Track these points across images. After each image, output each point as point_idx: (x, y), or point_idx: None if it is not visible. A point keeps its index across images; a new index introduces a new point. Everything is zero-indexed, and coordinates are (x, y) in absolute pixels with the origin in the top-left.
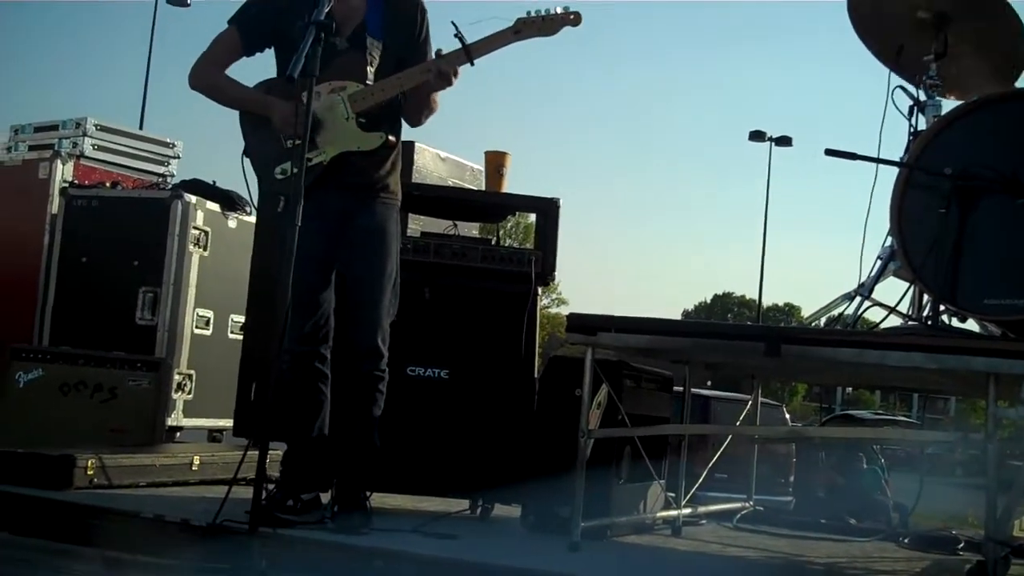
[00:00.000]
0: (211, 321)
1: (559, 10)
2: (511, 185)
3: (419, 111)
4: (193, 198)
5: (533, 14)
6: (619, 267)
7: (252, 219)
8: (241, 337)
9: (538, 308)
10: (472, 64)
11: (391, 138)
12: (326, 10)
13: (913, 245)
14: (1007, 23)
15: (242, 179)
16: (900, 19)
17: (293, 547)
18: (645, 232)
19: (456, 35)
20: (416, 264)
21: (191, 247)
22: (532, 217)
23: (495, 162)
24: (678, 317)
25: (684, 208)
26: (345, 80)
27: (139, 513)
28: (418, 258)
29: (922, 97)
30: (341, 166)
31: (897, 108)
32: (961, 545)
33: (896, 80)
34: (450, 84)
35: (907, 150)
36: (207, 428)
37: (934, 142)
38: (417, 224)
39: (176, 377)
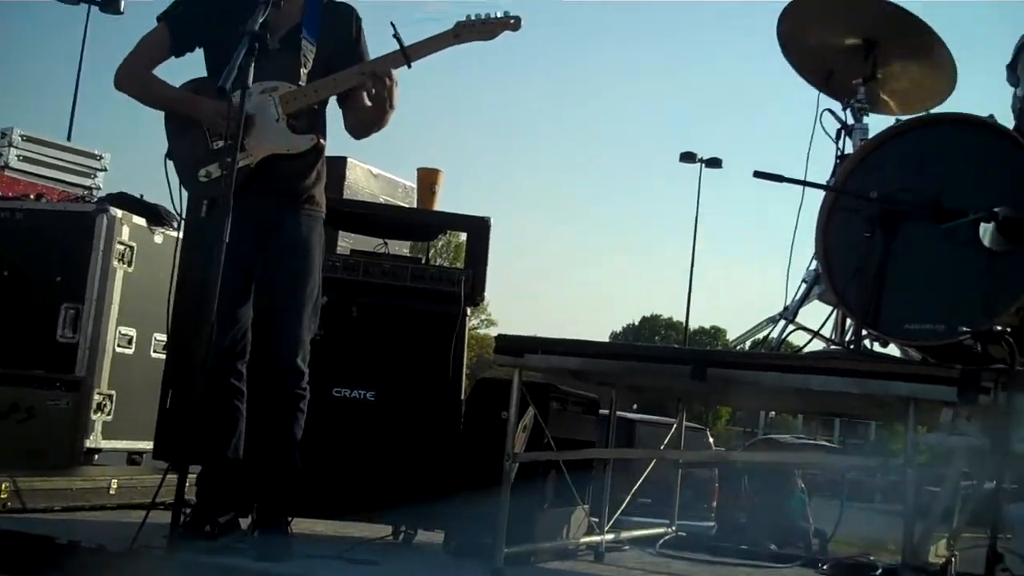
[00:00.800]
0: (134, 339)
1: (499, 14)
2: (443, 203)
3: (364, 123)
4: (119, 212)
5: (473, 17)
6: (548, 288)
7: (178, 234)
8: (164, 356)
9: (466, 329)
10: (409, 66)
11: (322, 141)
12: (261, 19)
13: (837, 269)
14: (932, 49)
15: (167, 188)
16: (829, 44)
17: (210, 573)
18: (575, 253)
19: (394, 35)
20: (345, 282)
21: (115, 262)
22: (463, 236)
23: (427, 180)
24: (606, 339)
25: (614, 229)
26: (277, 81)
27: (54, 539)
28: (347, 276)
29: (850, 120)
30: (267, 172)
31: (825, 131)
32: (879, 572)
33: (825, 102)
34: (385, 86)
35: (834, 173)
36: (127, 450)
37: (861, 166)
38: (347, 241)
39: (96, 397)
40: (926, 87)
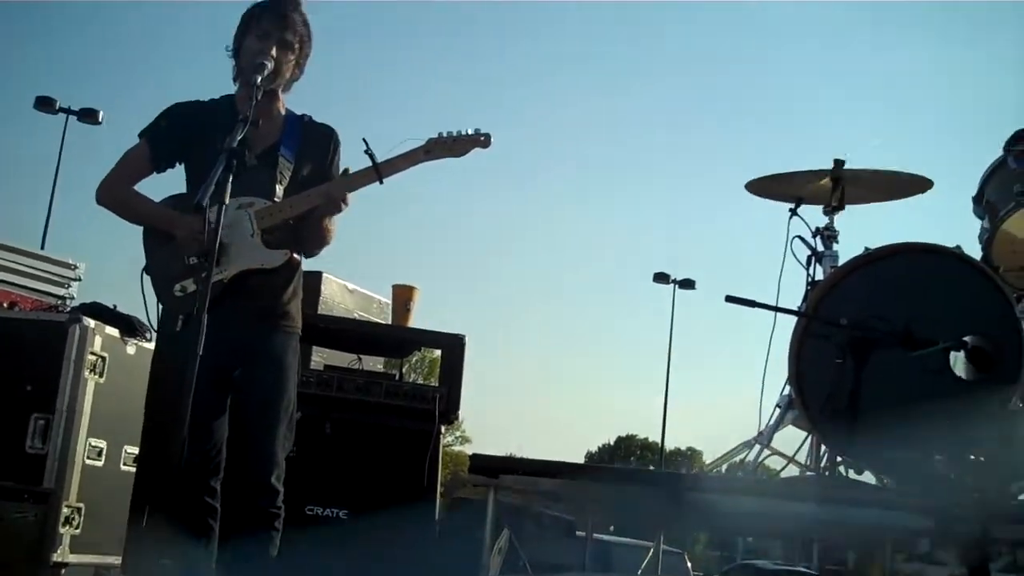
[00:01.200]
0: (104, 452)
1: (469, 131)
2: (418, 318)
3: (312, 240)
4: (92, 322)
5: (444, 134)
6: (524, 405)
7: (151, 345)
8: (134, 469)
9: (440, 447)
10: (381, 183)
11: (295, 256)
12: (239, 137)
13: (810, 395)
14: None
15: (143, 302)
16: (796, 180)
17: None
18: (551, 370)
19: (366, 152)
20: (319, 398)
21: (87, 373)
22: (438, 351)
23: (403, 296)
24: (582, 459)
25: (591, 347)
26: (253, 196)
27: None
28: (321, 392)
29: (820, 247)
30: (242, 287)
31: (796, 257)
32: None
33: (795, 230)
34: (339, 210)
35: (805, 299)
36: (94, 565)
37: (831, 292)
38: (321, 356)
39: (64, 510)
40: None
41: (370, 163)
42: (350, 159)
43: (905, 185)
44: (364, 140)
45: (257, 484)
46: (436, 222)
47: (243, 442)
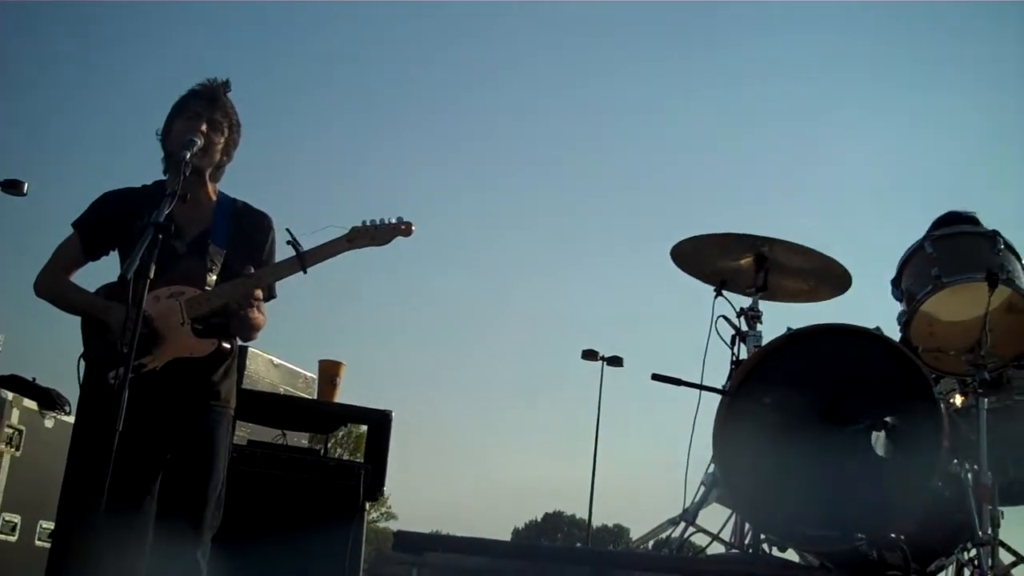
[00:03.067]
0: (17, 527)
1: (392, 220)
2: (344, 394)
3: (242, 328)
4: (9, 394)
5: (368, 223)
6: (450, 481)
7: (71, 419)
8: (48, 545)
9: (365, 524)
10: (305, 272)
11: (225, 345)
12: (166, 212)
13: (734, 473)
14: (821, 260)
15: (64, 378)
16: (722, 263)
17: None
18: (478, 447)
19: (289, 242)
20: (241, 473)
21: (3, 446)
22: (364, 427)
23: (329, 371)
24: (509, 535)
25: (517, 424)
26: (184, 285)
27: None
28: (244, 467)
29: (743, 327)
30: (173, 372)
31: (720, 336)
32: None
33: (720, 310)
34: (245, 308)
35: (729, 378)
36: None
37: (755, 371)
38: (245, 431)
39: None
40: (821, 283)
41: (294, 252)
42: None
43: (826, 278)
44: (288, 230)
45: (182, 562)
46: (364, 299)
47: (170, 521)
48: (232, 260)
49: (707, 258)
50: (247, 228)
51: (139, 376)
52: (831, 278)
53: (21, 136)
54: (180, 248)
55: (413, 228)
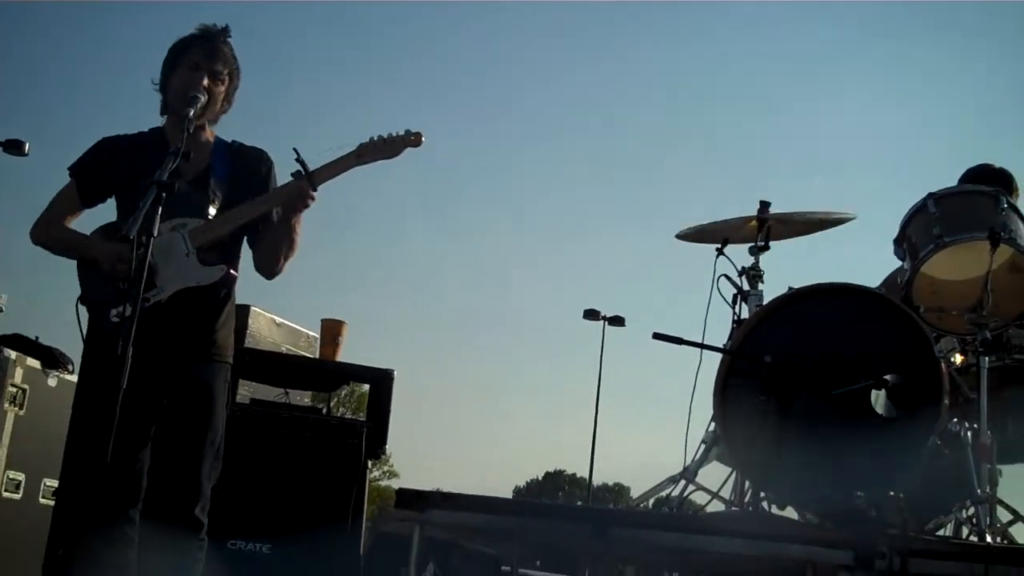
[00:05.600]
0: (22, 484)
1: (400, 132)
2: (347, 352)
3: (276, 254)
4: (13, 354)
5: (375, 137)
6: (452, 440)
7: (74, 378)
8: (52, 503)
9: (367, 482)
10: (315, 190)
11: (232, 271)
12: (170, 169)
13: (735, 431)
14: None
15: (67, 337)
16: (725, 224)
17: None
18: (480, 406)
19: (296, 159)
20: (244, 432)
21: (7, 405)
22: (366, 386)
23: (331, 330)
24: (510, 494)
25: (520, 383)
26: (186, 217)
27: None
28: (246, 426)
29: (745, 286)
30: (180, 306)
31: (722, 296)
32: None
33: (722, 269)
34: (306, 205)
35: (731, 337)
36: None
37: (755, 330)
38: (247, 390)
39: None
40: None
41: (302, 172)
42: (282, 169)
43: (829, 219)
44: (295, 150)
45: (182, 515)
46: (367, 257)
47: (168, 473)
48: (234, 192)
49: (709, 229)
50: (246, 163)
51: (145, 311)
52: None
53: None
54: (182, 187)
55: (422, 138)
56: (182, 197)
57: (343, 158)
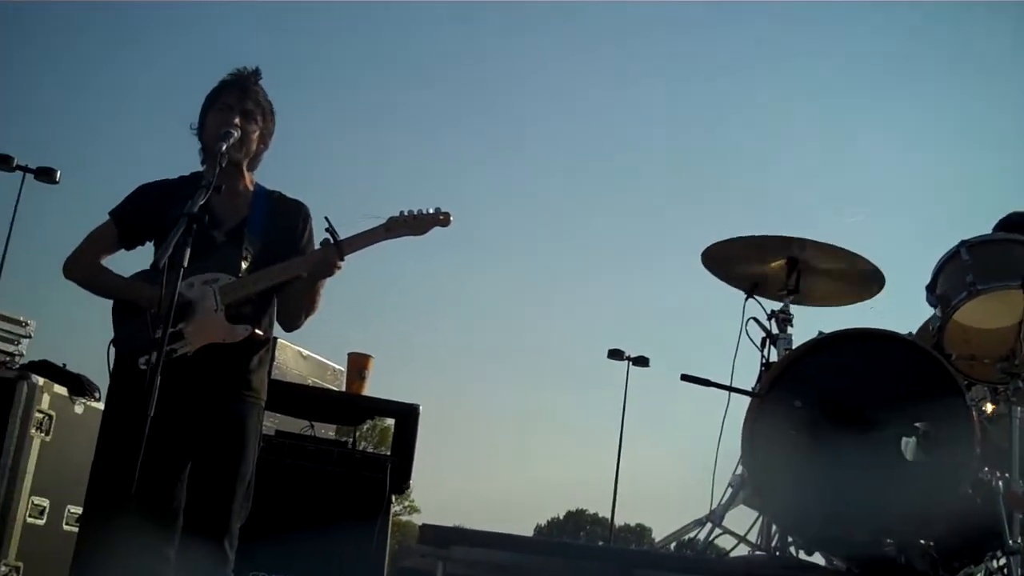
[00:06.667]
0: (46, 510)
1: (430, 210)
2: (372, 387)
3: (297, 312)
4: (40, 380)
5: (405, 213)
6: (474, 476)
7: (100, 405)
8: (75, 529)
9: (391, 517)
10: (342, 260)
11: (258, 332)
12: (201, 202)
13: (763, 475)
14: (853, 261)
15: (94, 363)
16: (754, 266)
17: None
18: (503, 444)
19: (327, 229)
20: (269, 464)
21: (33, 431)
22: (391, 420)
23: (358, 364)
24: (531, 532)
25: (542, 421)
26: (218, 273)
27: None
28: (271, 457)
29: (774, 330)
30: (206, 359)
31: (751, 339)
32: None
33: (750, 311)
34: (331, 273)
35: (759, 380)
36: None
37: (785, 374)
38: (273, 422)
39: (2, 568)
40: (853, 284)
41: (331, 241)
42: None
43: (857, 283)
44: (327, 219)
45: (209, 551)
46: (396, 293)
47: (198, 509)
48: (268, 249)
49: (738, 262)
50: (283, 217)
51: (171, 361)
52: (863, 279)
53: (57, 124)
54: (218, 238)
55: (451, 218)
56: (218, 251)
57: (372, 231)
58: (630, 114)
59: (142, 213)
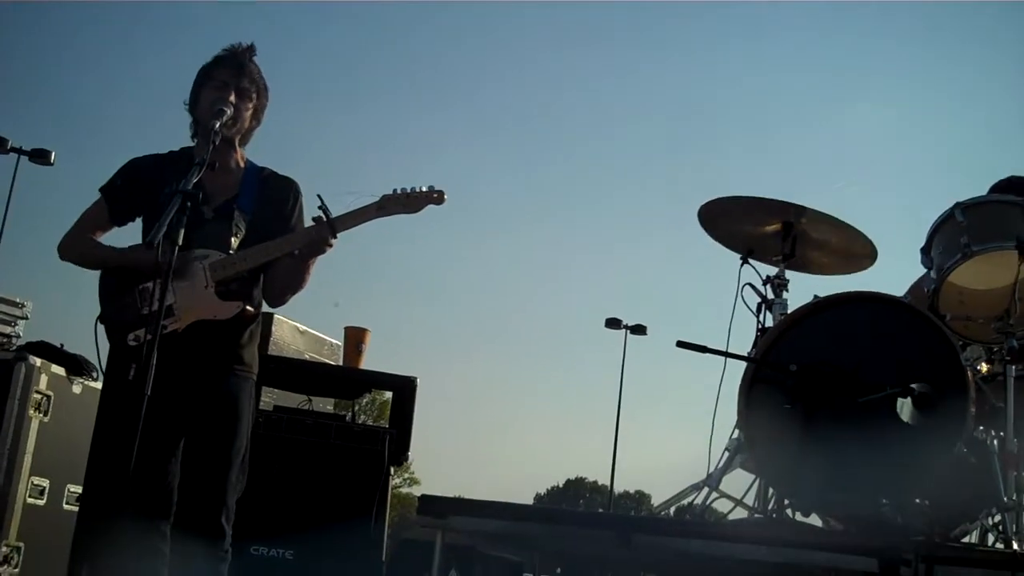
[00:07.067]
0: (46, 490)
1: (423, 188)
2: (369, 360)
3: (284, 288)
4: (38, 361)
5: (398, 191)
6: (473, 447)
7: (98, 385)
8: (76, 508)
9: (389, 489)
10: (335, 238)
11: (248, 308)
12: (194, 180)
13: (759, 439)
14: (845, 231)
15: (91, 344)
16: (749, 228)
17: None
18: (501, 414)
19: (319, 207)
20: (267, 439)
21: (32, 412)
22: (388, 393)
23: (355, 338)
24: (530, 501)
25: (541, 391)
26: (208, 249)
27: None
28: (269, 432)
29: (770, 295)
30: (196, 335)
31: (746, 304)
32: None
33: (745, 277)
34: (323, 251)
35: (755, 345)
36: None
37: (780, 339)
38: (271, 397)
39: (3, 549)
40: (846, 258)
41: (324, 219)
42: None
43: (854, 251)
44: (319, 196)
45: (206, 526)
46: (390, 265)
47: (194, 484)
48: (257, 226)
49: (734, 223)
50: (273, 194)
51: (161, 338)
52: (856, 252)
53: (50, 105)
54: (207, 214)
55: (445, 196)
56: (207, 227)
57: (365, 208)
58: (627, 85)
59: (132, 188)
